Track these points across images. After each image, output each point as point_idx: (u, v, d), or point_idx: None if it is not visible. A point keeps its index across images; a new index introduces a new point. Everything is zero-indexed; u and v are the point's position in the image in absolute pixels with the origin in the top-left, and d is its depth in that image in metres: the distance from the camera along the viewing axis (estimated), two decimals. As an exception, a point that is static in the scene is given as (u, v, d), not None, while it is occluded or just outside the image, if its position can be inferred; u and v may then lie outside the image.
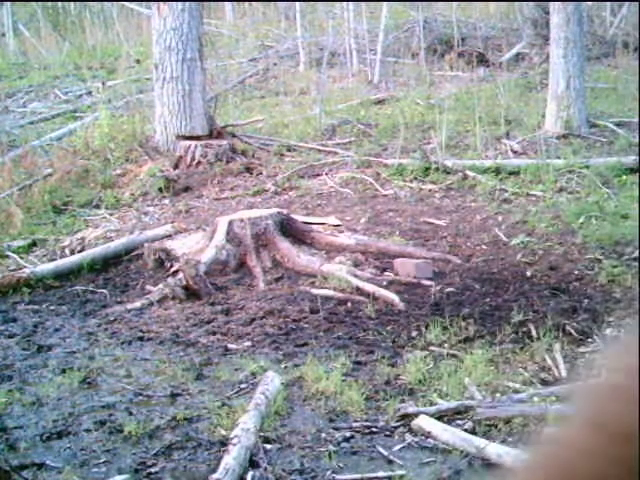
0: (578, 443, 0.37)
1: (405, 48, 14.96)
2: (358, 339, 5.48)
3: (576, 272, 6.32)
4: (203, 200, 8.57)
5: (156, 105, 9.73)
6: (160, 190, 8.75)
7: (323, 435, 4.29)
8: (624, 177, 8.19)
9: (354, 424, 4.40)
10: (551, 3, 10.16)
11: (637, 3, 13.48)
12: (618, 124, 10.08)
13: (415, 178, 8.62)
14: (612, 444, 0.34)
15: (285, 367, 5.09)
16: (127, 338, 5.69)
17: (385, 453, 4.10)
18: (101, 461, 4.12)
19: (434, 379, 4.82)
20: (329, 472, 3.95)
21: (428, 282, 6.26)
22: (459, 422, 4.31)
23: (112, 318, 6.07)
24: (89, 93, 13.57)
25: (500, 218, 7.54)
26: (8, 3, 18.55)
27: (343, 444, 4.21)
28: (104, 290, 6.63)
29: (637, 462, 0.34)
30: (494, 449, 3.91)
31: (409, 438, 4.24)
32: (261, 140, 10.15)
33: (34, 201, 8.58)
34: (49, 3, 20.16)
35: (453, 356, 5.10)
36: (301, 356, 5.24)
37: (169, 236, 7.40)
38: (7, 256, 7.37)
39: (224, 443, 4.10)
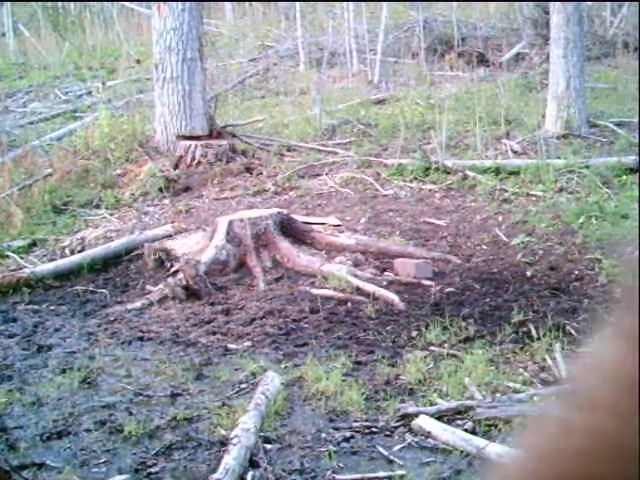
0: (569, 421, 0.35)
1: (405, 48, 14.96)
2: (358, 339, 5.48)
3: (576, 272, 6.31)
4: (203, 200, 8.57)
5: (156, 105, 9.74)
6: (160, 190, 8.75)
7: (323, 435, 4.29)
8: (624, 177, 8.18)
9: (354, 424, 4.40)
10: (551, 3, 10.16)
11: (637, 3, 13.48)
12: (618, 124, 10.08)
13: (415, 178, 8.61)
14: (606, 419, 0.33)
15: (285, 367, 5.09)
16: (127, 338, 5.69)
17: (385, 453, 4.10)
18: (101, 461, 4.12)
19: (434, 379, 4.82)
20: (329, 472, 3.95)
21: (428, 282, 6.26)
22: (459, 422, 4.31)
23: (112, 318, 6.07)
24: (89, 93, 13.58)
25: (500, 218, 7.53)
26: (8, 3, 18.55)
27: (343, 444, 4.21)
28: (104, 290, 6.63)
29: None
30: (494, 449, 3.91)
31: (409, 438, 4.24)
32: (261, 140, 10.15)
33: (34, 201, 8.58)
34: (49, 3, 20.16)
35: (453, 356, 5.10)
36: (301, 356, 5.24)
37: (169, 236, 7.40)
38: (7, 256, 7.37)
39: (224, 443, 4.10)
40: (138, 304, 6.23)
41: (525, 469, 0.35)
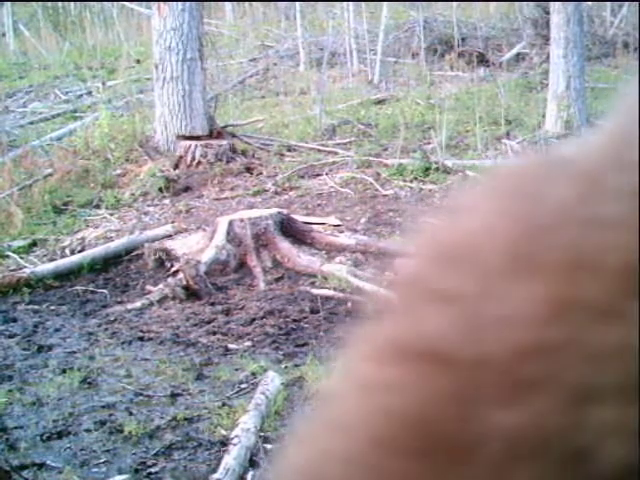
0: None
1: (405, 48, 14.97)
2: (358, 339, 5.47)
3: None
4: (203, 200, 8.57)
5: (156, 105, 9.74)
6: (160, 190, 8.75)
7: (323, 435, 4.29)
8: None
9: (354, 424, 4.39)
10: (551, 3, 10.17)
11: (637, 3, 13.49)
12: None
13: (415, 178, 8.62)
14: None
15: (285, 367, 5.09)
16: (127, 338, 5.69)
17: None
18: (101, 461, 4.13)
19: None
20: (329, 472, 3.95)
21: (428, 282, 6.26)
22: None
23: (112, 318, 6.07)
24: (89, 93, 13.58)
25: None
26: (8, 3, 18.56)
27: (343, 444, 4.21)
28: (104, 290, 6.63)
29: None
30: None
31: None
32: (261, 140, 10.16)
33: (34, 201, 8.58)
34: (49, 3, 20.17)
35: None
36: (301, 356, 5.24)
37: (169, 236, 7.40)
38: (7, 256, 7.37)
39: (224, 443, 4.10)
40: (138, 304, 6.23)
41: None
